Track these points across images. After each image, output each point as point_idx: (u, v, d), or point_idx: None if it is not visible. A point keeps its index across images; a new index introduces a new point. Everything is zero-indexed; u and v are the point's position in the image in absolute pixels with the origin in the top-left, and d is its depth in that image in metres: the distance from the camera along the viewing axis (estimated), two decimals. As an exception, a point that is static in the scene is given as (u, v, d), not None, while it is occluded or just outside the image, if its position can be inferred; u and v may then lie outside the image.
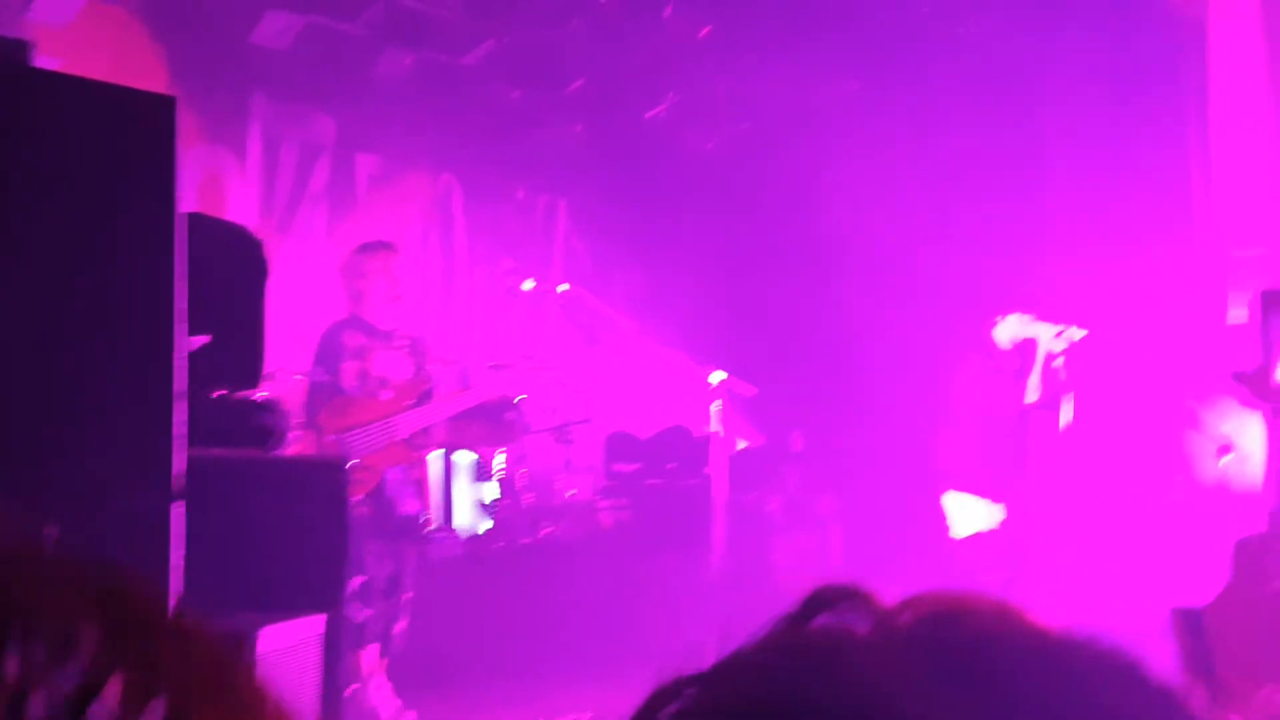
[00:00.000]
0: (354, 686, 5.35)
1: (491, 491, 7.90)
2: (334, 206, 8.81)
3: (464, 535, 7.49)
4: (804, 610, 0.56)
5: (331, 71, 8.45)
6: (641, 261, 10.51)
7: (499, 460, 8.02)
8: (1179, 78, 8.77)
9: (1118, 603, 7.26)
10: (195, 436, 3.20)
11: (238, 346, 3.44)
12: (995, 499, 6.74)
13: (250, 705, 0.60)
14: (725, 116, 10.47)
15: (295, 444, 5.21)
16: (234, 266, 3.45)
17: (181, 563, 3.00)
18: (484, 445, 7.93)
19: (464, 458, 7.87)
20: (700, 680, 0.55)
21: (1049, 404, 6.86)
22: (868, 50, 9.50)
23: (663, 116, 10.23)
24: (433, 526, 7.51)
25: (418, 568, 6.03)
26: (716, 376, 5.70)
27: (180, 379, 3.02)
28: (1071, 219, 9.07)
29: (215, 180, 8.00)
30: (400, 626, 5.80)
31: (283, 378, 6.41)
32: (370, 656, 5.70)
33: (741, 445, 9.29)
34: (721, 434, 5.79)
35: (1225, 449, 7.38)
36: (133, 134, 3.00)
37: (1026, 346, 6.77)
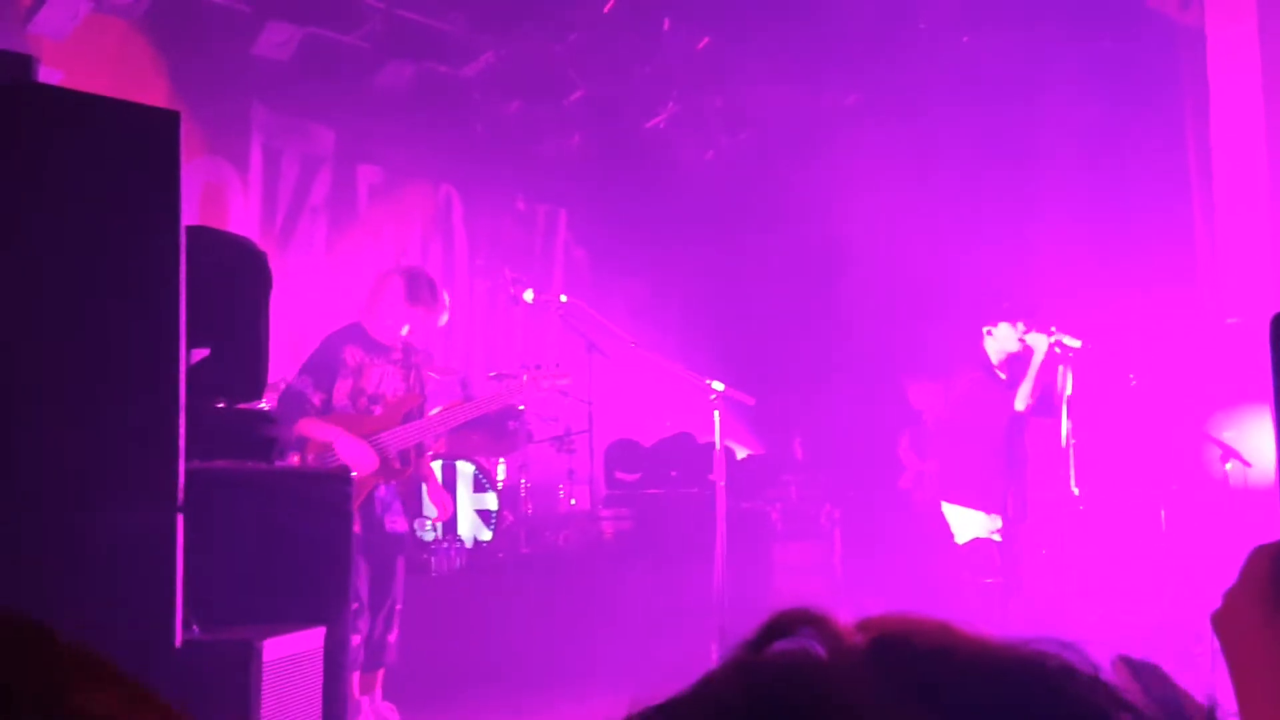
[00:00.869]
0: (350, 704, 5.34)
1: (493, 501, 7.90)
2: (335, 218, 8.83)
3: (465, 545, 7.50)
4: (761, 636, 0.57)
5: (332, 83, 8.48)
6: (641, 271, 10.54)
7: (500, 470, 8.03)
8: (1178, 88, 8.79)
9: (1119, 609, 7.27)
10: (198, 448, 3.21)
11: (241, 358, 3.45)
12: (990, 510, 6.74)
13: None
14: (724, 128, 10.51)
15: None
16: (237, 278, 3.46)
17: (183, 574, 3.01)
18: (485, 455, 7.93)
19: (465, 467, 7.88)
20: (662, 711, 0.56)
21: (1048, 412, 6.86)
22: (866, 63, 9.53)
23: (662, 128, 10.26)
24: (432, 537, 7.52)
25: (407, 579, 5.98)
26: (715, 386, 5.70)
27: (183, 391, 3.04)
28: (1070, 228, 9.09)
29: (216, 191, 8.03)
30: (392, 637, 5.79)
31: (281, 388, 6.41)
32: (364, 677, 5.67)
33: (742, 454, 9.30)
34: (721, 443, 5.79)
35: (1228, 455, 7.39)
36: (137, 149, 3.02)
37: (1020, 357, 6.77)
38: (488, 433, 7.71)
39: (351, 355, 5.77)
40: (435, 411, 6.51)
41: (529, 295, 6.62)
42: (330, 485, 3.99)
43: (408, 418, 5.81)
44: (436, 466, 7.82)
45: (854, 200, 9.17)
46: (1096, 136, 9.18)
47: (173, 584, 2.96)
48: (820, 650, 0.56)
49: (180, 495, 2.99)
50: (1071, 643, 0.56)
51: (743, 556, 6.61)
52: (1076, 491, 7.18)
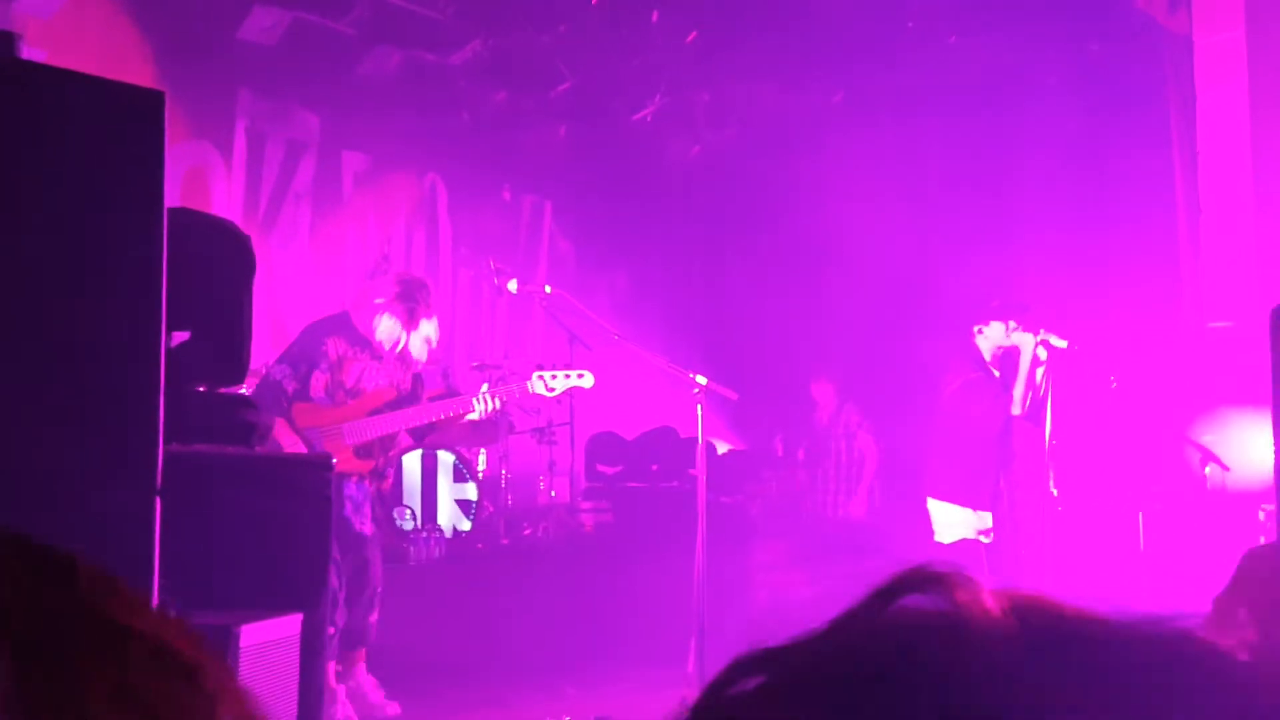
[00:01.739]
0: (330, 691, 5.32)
1: (472, 491, 7.88)
2: (318, 204, 8.78)
3: (444, 535, 7.47)
4: (891, 589, 0.55)
5: (318, 69, 8.43)
6: (625, 264, 10.52)
7: (481, 460, 8.01)
8: (1164, 92, 8.81)
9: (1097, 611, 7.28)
10: (178, 431, 3.19)
11: (223, 342, 3.42)
12: (978, 508, 6.75)
13: None
14: (710, 123, 10.49)
15: None
16: (220, 261, 3.43)
17: (160, 558, 2.99)
18: (466, 445, 7.91)
19: (445, 457, 7.86)
20: (778, 655, 0.54)
21: (1033, 415, 6.88)
22: (854, 62, 9.53)
23: (648, 121, 10.24)
24: (411, 526, 7.49)
25: (387, 568, 5.93)
26: (699, 380, 5.69)
27: (163, 374, 3.01)
28: (1056, 228, 9.12)
29: (200, 175, 7.98)
30: (374, 618, 5.77)
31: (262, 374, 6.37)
32: (341, 660, 5.66)
33: (723, 449, 9.30)
34: (702, 438, 5.78)
35: (1207, 459, 7.42)
36: (120, 128, 2.99)
37: (1010, 355, 6.78)
38: (469, 423, 7.68)
39: (334, 347, 5.69)
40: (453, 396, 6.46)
41: (513, 285, 6.59)
42: (310, 471, 3.96)
43: (376, 412, 5.72)
44: (416, 456, 7.79)
45: (839, 197, 9.17)
46: (1083, 139, 9.20)
47: (150, 567, 2.93)
48: (960, 610, 0.54)
49: (159, 478, 2.97)
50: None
51: (721, 552, 6.61)
52: (1055, 493, 7.20)
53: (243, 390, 5.25)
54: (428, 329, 5.85)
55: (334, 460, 4.47)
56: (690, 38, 9.51)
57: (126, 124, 2.99)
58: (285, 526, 3.72)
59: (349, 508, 5.57)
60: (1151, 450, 7.95)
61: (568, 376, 6.10)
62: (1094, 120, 9.13)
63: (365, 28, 8.58)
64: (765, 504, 8.91)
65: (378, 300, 5.75)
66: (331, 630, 5.30)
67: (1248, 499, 7.35)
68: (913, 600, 0.55)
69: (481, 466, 7.96)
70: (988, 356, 6.83)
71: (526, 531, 7.96)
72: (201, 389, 3.50)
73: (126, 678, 0.48)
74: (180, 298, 3.09)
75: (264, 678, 3.41)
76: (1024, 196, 9.33)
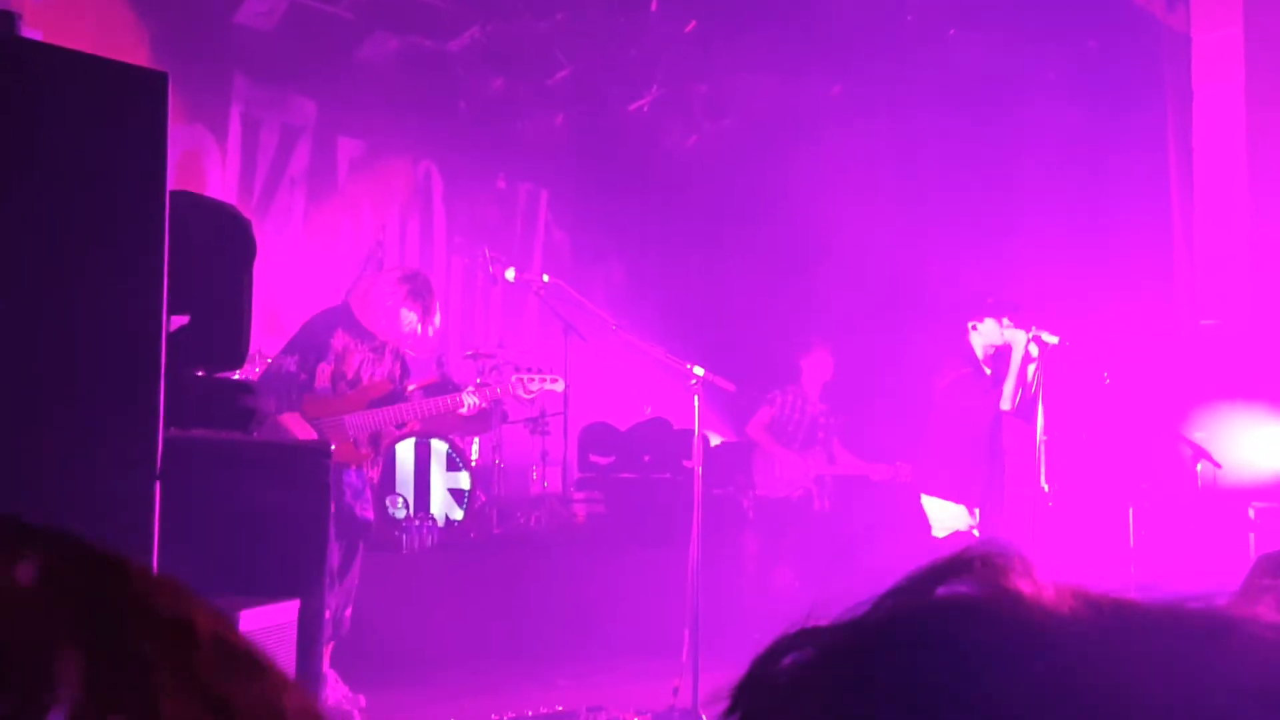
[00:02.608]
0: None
1: (465, 481, 7.87)
2: (313, 190, 8.75)
3: (437, 524, 7.46)
4: (938, 571, 0.55)
5: (315, 54, 8.40)
6: (621, 254, 10.51)
7: (474, 449, 7.99)
8: (1162, 89, 8.82)
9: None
10: (177, 416, 3.17)
11: (222, 326, 3.40)
12: (969, 504, 6.77)
13: None
14: (707, 114, 10.48)
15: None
16: (220, 244, 3.41)
17: (159, 543, 2.97)
18: (459, 434, 7.89)
19: (439, 446, 7.84)
20: (827, 630, 0.54)
21: (1024, 411, 6.89)
22: (852, 54, 9.52)
23: (645, 110, 10.22)
24: (404, 515, 7.48)
25: (379, 557, 5.97)
26: (696, 371, 5.68)
27: (164, 358, 2.99)
28: (1051, 223, 9.12)
29: (194, 159, 7.94)
30: (347, 613, 5.77)
31: (259, 360, 6.37)
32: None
33: (716, 441, 9.30)
34: (698, 429, 5.77)
35: (1198, 455, 7.44)
36: (123, 108, 2.97)
37: (1003, 352, 6.80)
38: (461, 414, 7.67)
39: (339, 339, 5.78)
40: (410, 389, 6.47)
41: (511, 274, 6.58)
42: (309, 458, 3.95)
43: (374, 404, 5.81)
44: (409, 444, 7.78)
45: (836, 189, 9.16)
46: (1080, 134, 9.21)
47: (149, 552, 2.91)
48: (1016, 591, 0.53)
49: (158, 463, 2.95)
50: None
51: (714, 543, 6.61)
52: (1046, 488, 7.22)
53: (236, 376, 5.25)
54: (439, 320, 6.02)
55: (333, 448, 4.46)
56: (689, 28, 9.49)
57: (130, 104, 2.97)
58: (283, 513, 3.70)
59: (349, 495, 5.61)
60: (1143, 446, 7.97)
61: (543, 381, 6.15)
62: (1090, 116, 9.14)
63: (363, 13, 8.55)
64: (757, 496, 8.90)
65: (389, 301, 5.81)
66: (328, 614, 5.32)
67: (1239, 496, 7.37)
68: (963, 582, 0.54)
69: (474, 456, 7.95)
70: (980, 354, 6.84)
71: (519, 521, 7.95)
72: (200, 373, 3.48)
73: (196, 672, 0.47)
74: (181, 281, 3.07)
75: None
76: (1020, 191, 9.33)
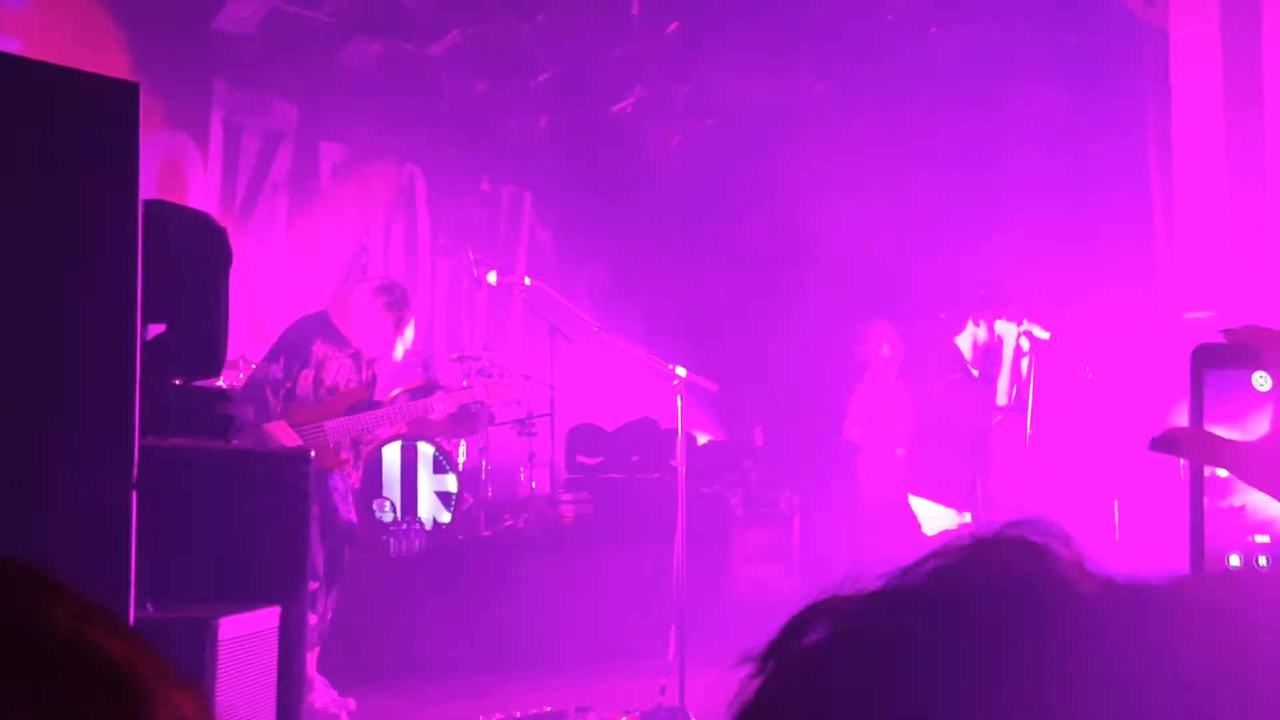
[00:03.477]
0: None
1: (453, 483, 7.87)
2: (296, 195, 8.74)
3: (425, 527, 7.47)
4: (976, 545, 0.55)
5: (296, 59, 8.39)
6: (605, 255, 10.51)
7: (461, 452, 8.00)
8: (1141, 84, 8.85)
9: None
10: (154, 425, 3.17)
11: (199, 335, 3.41)
12: (960, 508, 6.79)
13: None
14: (691, 113, 10.49)
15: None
16: (197, 253, 3.42)
17: (137, 552, 2.97)
18: (446, 436, 7.90)
19: (425, 449, 7.85)
20: (850, 605, 0.54)
21: (1015, 407, 6.91)
22: (834, 51, 9.54)
23: (628, 111, 10.22)
24: (391, 519, 7.49)
25: (367, 560, 6.01)
26: (679, 372, 5.70)
27: (139, 367, 2.99)
28: (1034, 219, 9.15)
29: (175, 166, 7.93)
30: (330, 616, 5.79)
31: (243, 366, 6.37)
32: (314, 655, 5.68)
33: (703, 440, 9.32)
34: (683, 429, 5.79)
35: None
36: (95, 120, 2.97)
37: (993, 348, 6.82)
38: (449, 416, 7.68)
39: (319, 347, 5.84)
40: (396, 393, 6.50)
41: (493, 277, 6.61)
42: (288, 465, 3.95)
43: (352, 410, 5.87)
44: (395, 448, 7.78)
45: (820, 188, 9.18)
46: (1060, 129, 9.24)
47: (127, 562, 2.92)
48: (1051, 569, 0.54)
49: (135, 472, 2.95)
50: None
51: (701, 542, 6.62)
52: (1033, 483, 7.24)
53: (220, 383, 5.26)
54: (410, 334, 6.08)
55: (313, 454, 4.47)
56: (671, 28, 9.50)
57: (102, 116, 2.97)
58: (263, 520, 3.71)
59: (335, 498, 5.65)
60: (1127, 440, 8.00)
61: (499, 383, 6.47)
62: (1071, 112, 9.17)
63: (343, 17, 8.54)
64: (745, 494, 8.92)
65: (365, 310, 5.88)
66: (314, 619, 5.34)
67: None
68: (1003, 554, 0.55)
69: (462, 458, 7.96)
70: (967, 354, 6.85)
71: (507, 523, 7.96)
72: (178, 382, 3.49)
73: (49, 689, 0.46)
74: (156, 290, 3.07)
75: (243, 670, 3.40)
76: (1002, 187, 9.36)
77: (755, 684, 0.54)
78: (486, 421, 7.79)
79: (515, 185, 10.37)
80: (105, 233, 2.95)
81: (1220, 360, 0.86)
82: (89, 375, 2.94)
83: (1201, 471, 0.85)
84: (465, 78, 9.48)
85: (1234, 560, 0.88)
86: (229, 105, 8.28)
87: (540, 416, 8.26)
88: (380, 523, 7.34)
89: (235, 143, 8.35)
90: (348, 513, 5.78)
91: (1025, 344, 6.81)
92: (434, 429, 7.69)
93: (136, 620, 2.99)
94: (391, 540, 7.06)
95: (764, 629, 0.57)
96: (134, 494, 2.92)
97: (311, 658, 5.66)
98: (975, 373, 6.86)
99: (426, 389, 7.13)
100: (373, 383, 6.08)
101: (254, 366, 6.02)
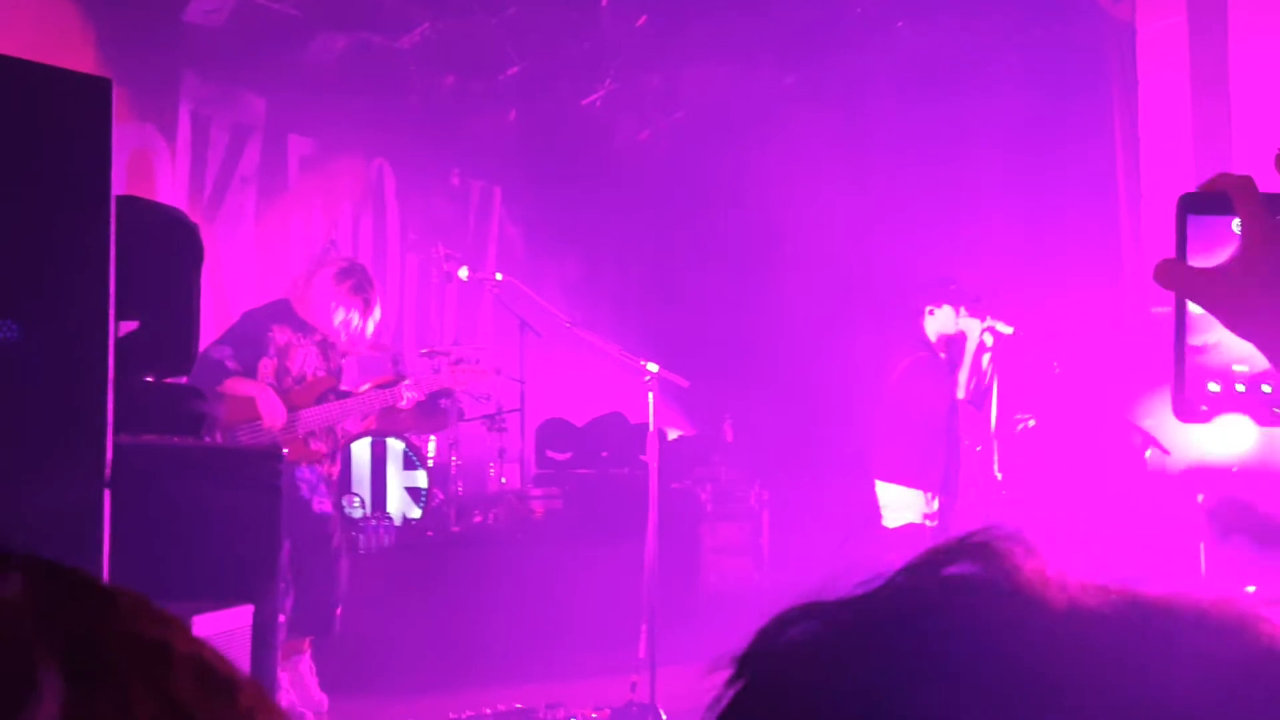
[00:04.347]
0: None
1: (423, 479, 7.85)
2: (264, 189, 8.68)
3: (394, 523, 7.44)
4: (932, 559, 0.56)
5: (264, 52, 8.33)
6: (575, 250, 10.50)
7: (430, 447, 7.98)
8: (1108, 80, 8.92)
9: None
10: (126, 422, 3.15)
11: (171, 331, 3.38)
12: (927, 489, 6.81)
13: None
14: (660, 107, 10.49)
15: None
16: (168, 250, 3.39)
17: (110, 550, 2.95)
18: (416, 432, 7.88)
19: (395, 444, 7.82)
20: (827, 608, 0.55)
21: (977, 400, 6.95)
22: (802, 46, 9.56)
23: (598, 105, 10.21)
24: (361, 515, 7.46)
25: (342, 548, 5.95)
26: (650, 367, 5.70)
27: (112, 364, 2.97)
28: (1001, 213, 9.21)
29: (143, 159, 7.86)
30: (337, 612, 5.75)
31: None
32: (287, 646, 5.64)
33: (673, 435, 9.33)
34: (654, 424, 5.80)
35: (1147, 442, 7.54)
36: (67, 116, 2.94)
37: (956, 340, 6.85)
38: (418, 410, 7.65)
39: (280, 334, 5.74)
40: (365, 388, 6.46)
41: (464, 273, 6.59)
42: (260, 462, 3.93)
43: (321, 399, 5.81)
44: (365, 443, 7.75)
45: (791, 181, 9.21)
46: (1028, 124, 9.30)
47: (99, 560, 2.90)
48: (1017, 576, 0.54)
49: (108, 470, 2.93)
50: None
51: (672, 537, 6.64)
52: (1000, 477, 7.29)
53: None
54: (379, 312, 6.01)
55: (285, 450, 4.44)
56: (640, 21, 9.50)
57: (74, 112, 2.94)
58: (235, 517, 3.69)
59: (304, 490, 5.59)
60: (1093, 434, 8.07)
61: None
62: (1038, 106, 9.23)
63: (311, 10, 8.49)
64: (714, 489, 8.94)
65: (329, 299, 5.79)
66: (281, 618, 5.30)
67: (1187, 482, 7.48)
68: (968, 562, 0.56)
69: (431, 454, 7.94)
70: (933, 339, 6.89)
71: (477, 519, 7.94)
72: (150, 379, 3.46)
73: (172, 696, 0.48)
74: (127, 287, 3.05)
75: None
76: (970, 181, 9.42)
77: (729, 693, 0.54)
78: (456, 417, 7.77)
79: (485, 179, 10.34)
80: (78, 230, 2.92)
81: (1201, 207, 0.94)
82: (62, 373, 2.91)
83: (1184, 306, 0.93)
84: (434, 71, 9.44)
85: (1213, 387, 0.95)
86: (197, 98, 8.21)
87: (510, 411, 8.25)
88: (349, 519, 7.31)
89: (204, 136, 8.28)
90: (320, 504, 5.71)
91: (989, 339, 6.84)
92: (403, 423, 7.67)
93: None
94: (361, 536, 7.04)
95: (734, 624, 0.57)
96: (107, 492, 2.90)
97: (307, 647, 5.65)
98: (942, 355, 6.89)
99: (396, 384, 7.10)
100: (339, 372, 6.02)
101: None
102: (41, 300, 2.91)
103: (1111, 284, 8.88)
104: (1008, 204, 9.26)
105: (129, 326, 3.31)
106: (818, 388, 9.29)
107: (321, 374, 5.84)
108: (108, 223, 2.95)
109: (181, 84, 8.13)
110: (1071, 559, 0.60)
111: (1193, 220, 0.96)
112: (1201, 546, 7.12)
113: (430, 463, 7.88)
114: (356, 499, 7.60)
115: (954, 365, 6.83)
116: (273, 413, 5.58)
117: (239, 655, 3.55)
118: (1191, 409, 0.94)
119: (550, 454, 8.95)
